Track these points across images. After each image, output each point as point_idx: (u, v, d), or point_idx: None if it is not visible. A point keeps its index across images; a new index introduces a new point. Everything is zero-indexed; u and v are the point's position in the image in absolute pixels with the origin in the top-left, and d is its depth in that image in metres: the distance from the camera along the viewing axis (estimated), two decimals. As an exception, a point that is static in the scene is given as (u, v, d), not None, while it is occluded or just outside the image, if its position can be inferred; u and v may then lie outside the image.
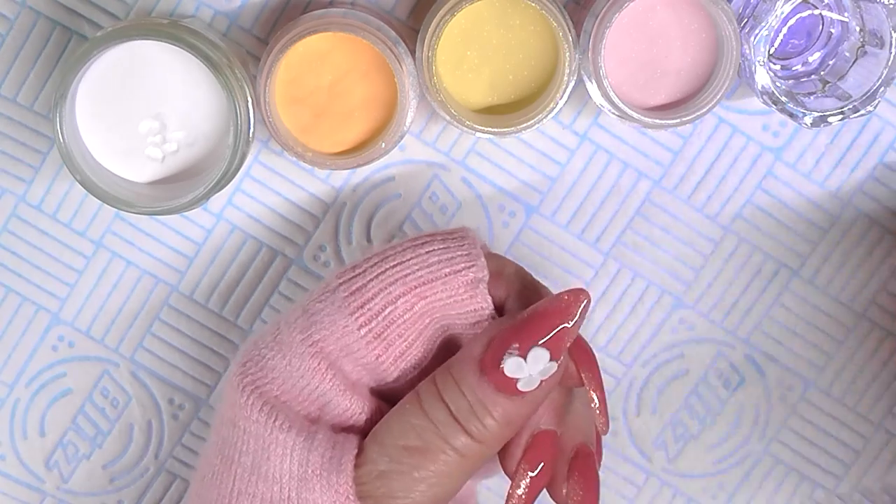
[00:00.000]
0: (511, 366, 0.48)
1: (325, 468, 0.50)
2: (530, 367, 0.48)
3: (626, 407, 0.63)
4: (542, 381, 0.49)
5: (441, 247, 0.51)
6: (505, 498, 0.51)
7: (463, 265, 0.51)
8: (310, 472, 0.50)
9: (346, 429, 0.52)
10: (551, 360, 0.48)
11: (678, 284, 0.62)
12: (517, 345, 0.48)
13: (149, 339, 0.62)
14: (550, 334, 0.48)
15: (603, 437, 0.56)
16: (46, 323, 0.62)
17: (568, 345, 0.49)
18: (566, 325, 0.48)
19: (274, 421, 0.50)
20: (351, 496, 0.49)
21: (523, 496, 0.51)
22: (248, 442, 0.51)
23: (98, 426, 0.63)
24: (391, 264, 0.51)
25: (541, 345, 0.48)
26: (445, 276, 0.51)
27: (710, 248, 0.61)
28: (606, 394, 0.62)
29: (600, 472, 0.53)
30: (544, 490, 0.52)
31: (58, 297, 0.61)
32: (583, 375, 0.51)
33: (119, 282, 0.61)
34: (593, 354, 0.52)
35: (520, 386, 0.49)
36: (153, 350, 0.62)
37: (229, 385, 0.52)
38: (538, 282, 0.52)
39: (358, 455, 0.50)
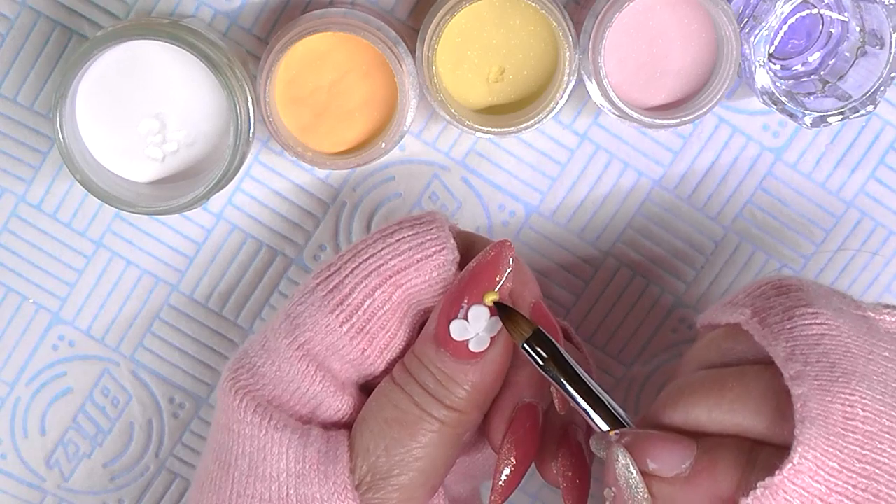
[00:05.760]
0: (456, 329, 0.50)
1: (322, 462, 0.50)
2: (474, 326, 0.50)
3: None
4: (492, 339, 0.50)
5: (410, 233, 0.51)
6: (492, 476, 0.51)
7: (433, 249, 0.51)
8: (307, 467, 0.50)
9: (339, 428, 0.52)
10: (492, 316, 0.50)
11: (678, 284, 0.62)
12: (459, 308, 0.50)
13: (149, 339, 0.62)
14: (485, 290, 0.50)
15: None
16: (47, 322, 0.62)
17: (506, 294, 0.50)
18: (497, 279, 0.50)
19: (269, 421, 0.51)
20: (348, 486, 0.50)
21: (510, 474, 0.51)
22: (243, 444, 0.51)
23: (98, 425, 0.63)
24: (364, 257, 0.51)
25: (478, 302, 0.50)
26: (418, 262, 0.51)
27: (710, 248, 0.61)
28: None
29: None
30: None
31: (58, 296, 0.61)
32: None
33: (119, 281, 0.61)
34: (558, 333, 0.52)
35: (471, 347, 0.50)
36: (153, 349, 0.62)
37: (221, 391, 0.52)
38: (479, 238, 0.53)
39: (350, 446, 0.51)
